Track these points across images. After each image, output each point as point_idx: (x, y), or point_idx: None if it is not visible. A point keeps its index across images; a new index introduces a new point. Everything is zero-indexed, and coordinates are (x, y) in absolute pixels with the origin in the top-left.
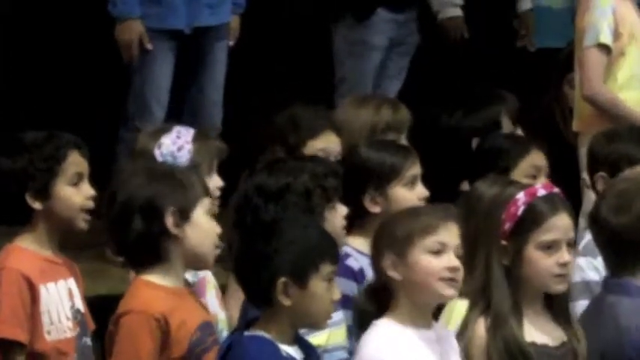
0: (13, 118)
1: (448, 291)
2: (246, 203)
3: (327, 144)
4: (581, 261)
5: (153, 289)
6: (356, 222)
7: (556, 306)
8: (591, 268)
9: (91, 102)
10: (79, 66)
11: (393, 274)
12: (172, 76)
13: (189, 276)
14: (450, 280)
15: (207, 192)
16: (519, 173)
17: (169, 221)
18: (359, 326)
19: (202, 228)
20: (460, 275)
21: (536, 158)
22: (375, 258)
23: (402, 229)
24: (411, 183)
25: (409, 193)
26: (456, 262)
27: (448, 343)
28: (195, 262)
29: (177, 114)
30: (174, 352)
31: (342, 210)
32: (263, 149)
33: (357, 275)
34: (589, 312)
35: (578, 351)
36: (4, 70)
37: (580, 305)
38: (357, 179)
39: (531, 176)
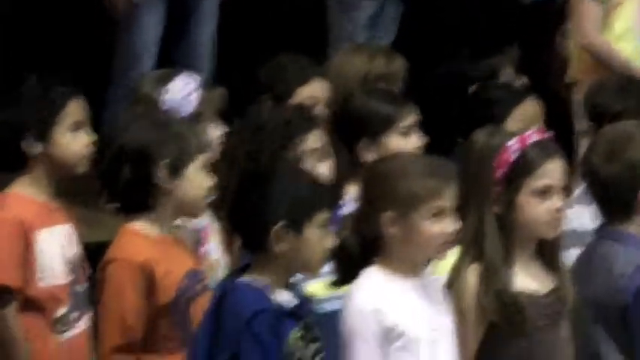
0: (8, 70)
1: (441, 255)
2: (237, 148)
3: (315, 91)
4: (573, 210)
5: (139, 237)
6: (351, 171)
7: (547, 253)
8: (583, 216)
9: (82, 56)
10: (72, 19)
11: (391, 230)
12: (162, 27)
13: (195, 221)
14: (444, 244)
15: (204, 147)
16: (514, 122)
17: (161, 174)
18: (342, 267)
19: (194, 183)
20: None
21: (529, 107)
22: (368, 207)
23: (406, 189)
24: (407, 132)
25: (404, 143)
26: (454, 226)
27: (435, 289)
28: (184, 213)
29: (167, 66)
30: (160, 299)
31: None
32: (252, 100)
33: None
34: (582, 260)
35: (566, 297)
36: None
37: (571, 254)
38: (352, 128)
39: (526, 124)
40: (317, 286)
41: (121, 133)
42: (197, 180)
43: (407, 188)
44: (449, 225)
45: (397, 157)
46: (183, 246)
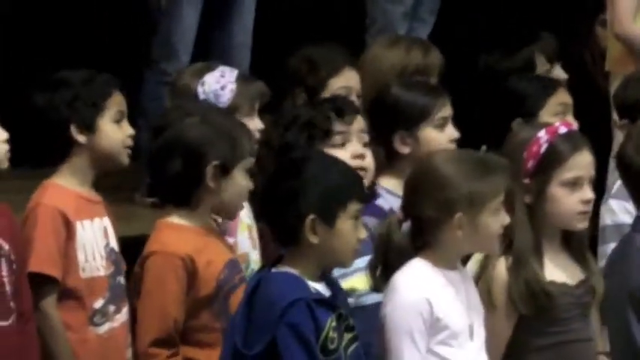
0: (39, 59)
1: (497, 249)
2: (269, 140)
3: (347, 81)
4: (614, 204)
5: (177, 230)
6: (386, 163)
7: (575, 244)
8: (623, 211)
9: (113, 44)
10: (104, 7)
11: (458, 233)
12: (199, 18)
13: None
14: (499, 238)
15: (251, 151)
16: (548, 112)
17: (209, 173)
18: (385, 260)
19: (238, 185)
20: None
21: (562, 96)
22: (433, 212)
23: (475, 190)
24: (442, 124)
25: (439, 135)
26: (508, 219)
27: (470, 282)
28: (222, 213)
29: (203, 57)
30: (201, 291)
31: (352, 149)
32: (284, 94)
33: (386, 215)
34: (617, 251)
35: (596, 288)
36: (31, 8)
37: (611, 248)
38: (388, 119)
39: (560, 114)
40: (357, 280)
41: (177, 123)
42: (241, 182)
43: (475, 190)
44: (505, 218)
45: (450, 159)
46: (219, 236)
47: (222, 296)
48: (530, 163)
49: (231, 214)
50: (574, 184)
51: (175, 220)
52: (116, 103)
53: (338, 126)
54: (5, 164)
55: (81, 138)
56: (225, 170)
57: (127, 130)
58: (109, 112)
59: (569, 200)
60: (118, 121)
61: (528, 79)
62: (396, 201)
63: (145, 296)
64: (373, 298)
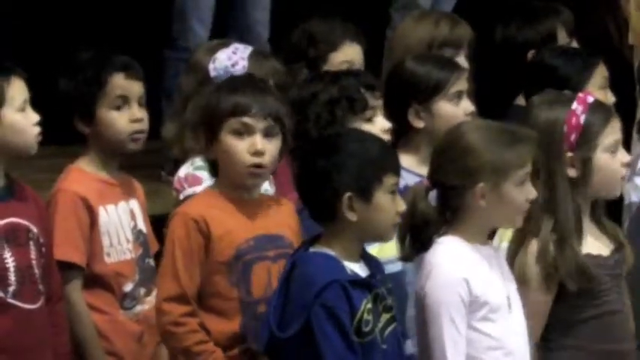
0: (65, 38)
1: (520, 222)
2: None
3: (348, 55)
4: (638, 181)
5: (209, 196)
6: (401, 138)
7: (600, 215)
8: None
9: (134, 22)
10: None
11: (481, 201)
12: None
13: None
14: (524, 212)
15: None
16: (592, 85)
17: (200, 143)
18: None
19: (226, 149)
20: None
21: (600, 71)
22: (456, 180)
23: (498, 159)
24: (457, 98)
25: (454, 109)
26: (535, 194)
27: (500, 257)
28: (235, 182)
29: (221, 34)
30: (218, 256)
31: (381, 123)
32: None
33: (402, 193)
34: (634, 223)
35: (626, 259)
36: None
37: None
38: (402, 93)
39: (602, 88)
40: (373, 250)
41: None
42: (228, 146)
43: (498, 158)
44: (531, 192)
45: (477, 127)
46: (267, 209)
47: (240, 265)
48: (574, 136)
49: (238, 180)
50: (614, 148)
51: (209, 187)
52: (116, 87)
53: (370, 100)
54: (34, 149)
55: (84, 129)
56: (209, 138)
57: (132, 115)
58: (106, 99)
59: (613, 165)
60: (119, 107)
61: (563, 51)
62: (412, 178)
63: (163, 255)
64: (390, 268)
